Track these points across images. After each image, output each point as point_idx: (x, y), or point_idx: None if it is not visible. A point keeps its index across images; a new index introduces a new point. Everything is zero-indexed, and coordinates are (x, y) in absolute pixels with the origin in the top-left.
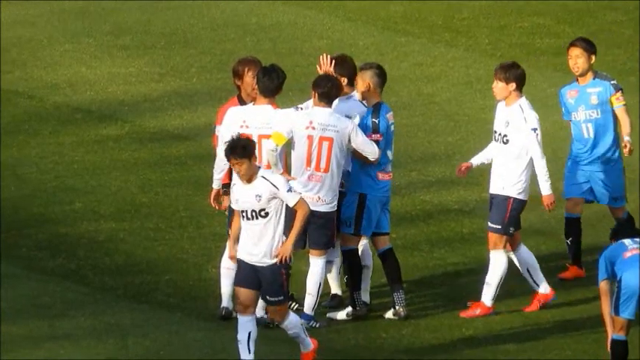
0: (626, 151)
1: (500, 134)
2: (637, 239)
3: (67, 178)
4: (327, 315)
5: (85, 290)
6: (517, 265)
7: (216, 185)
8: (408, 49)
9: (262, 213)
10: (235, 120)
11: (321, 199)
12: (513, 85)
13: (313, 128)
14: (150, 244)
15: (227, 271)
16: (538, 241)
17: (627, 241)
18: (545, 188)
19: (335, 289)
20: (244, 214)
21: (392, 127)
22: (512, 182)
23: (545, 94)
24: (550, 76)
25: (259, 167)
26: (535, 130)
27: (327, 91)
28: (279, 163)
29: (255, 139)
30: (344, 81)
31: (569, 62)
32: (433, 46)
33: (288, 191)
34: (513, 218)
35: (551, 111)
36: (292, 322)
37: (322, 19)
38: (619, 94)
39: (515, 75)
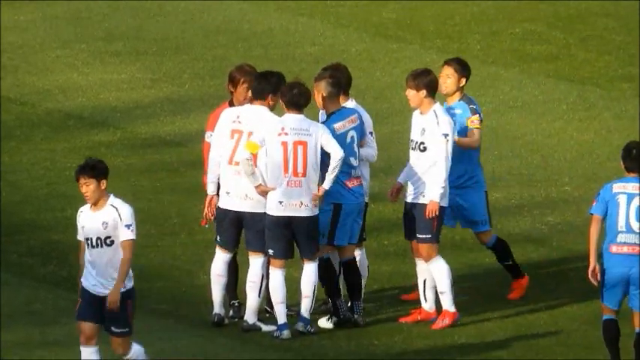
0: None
1: (417, 142)
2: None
3: (58, 184)
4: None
5: (76, 297)
6: (418, 270)
7: (210, 191)
8: (400, 55)
9: (108, 241)
10: (229, 116)
11: (303, 204)
12: (424, 92)
13: (286, 134)
14: (142, 250)
15: (218, 278)
16: (529, 249)
17: (622, 212)
18: (435, 195)
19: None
20: (89, 241)
21: (350, 133)
22: (435, 189)
23: (537, 100)
24: (541, 82)
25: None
26: (446, 135)
27: (291, 98)
28: (256, 172)
29: (244, 135)
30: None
31: (439, 79)
32: (425, 52)
33: (127, 226)
34: (440, 225)
35: (541, 118)
36: (137, 352)
37: (314, 25)
38: (475, 117)
39: (425, 82)
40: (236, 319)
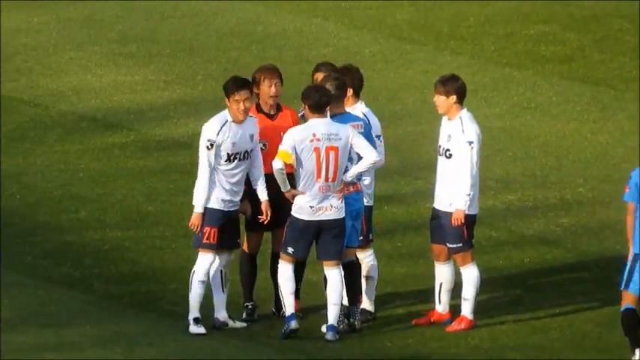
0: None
1: (443, 148)
2: None
3: (72, 186)
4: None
5: (90, 299)
6: (436, 273)
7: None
8: (414, 56)
9: None
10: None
11: (333, 206)
12: (454, 98)
13: (318, 140)
14: (156, 252)
15: (209, 281)
16: (543, 251)
17: None
18: (460, 203)
19: (366, 303)
20: None
21: None
22: (461, 197)
23: (551, 101)
24: (556, 84)
25: None
26: (471, 143)
27: (317, 101)
28: (287, 180)
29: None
30: (350, 91)
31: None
32: (439, 53)
33: None
34: (470, 231)
35: (555, 119)
36: None
37: (328, 27)
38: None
39: (455, 87)
40: (249, 322)
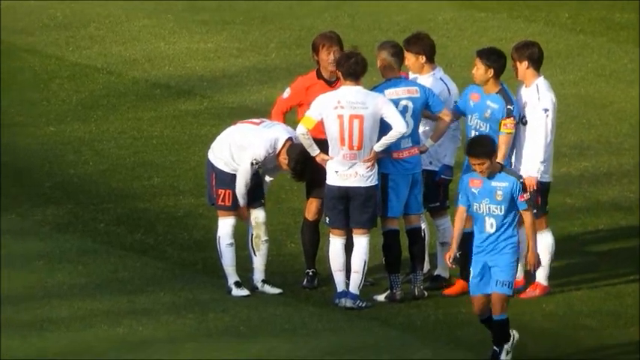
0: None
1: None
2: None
3: (145, 153)
4: (374, 297)
5: (163, 265)
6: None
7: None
8: (488, 24)
9: None
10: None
11: (358, 174)
12: (526, 64)
13: (342, 107)
14: None
15: (229, 247)
16: (617, 217)
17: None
18: (533, 170)
19: (440, 270)
20: None
21: (403, 102)
22: (534, 164)
23: (626, 68)
24: (630, 51)
25: None
26: (546, 110)
27: (349, 68)
28: (314, 145)
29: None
30: (422, 58)
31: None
32: (512, 21)
33: None
34: (545, 198)
35: (630, 86)
36: None
37: None
38: (508, 120)
39: (527, 54)
40: (308, 289)
